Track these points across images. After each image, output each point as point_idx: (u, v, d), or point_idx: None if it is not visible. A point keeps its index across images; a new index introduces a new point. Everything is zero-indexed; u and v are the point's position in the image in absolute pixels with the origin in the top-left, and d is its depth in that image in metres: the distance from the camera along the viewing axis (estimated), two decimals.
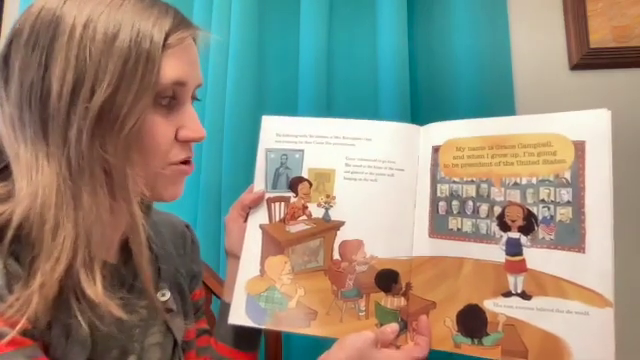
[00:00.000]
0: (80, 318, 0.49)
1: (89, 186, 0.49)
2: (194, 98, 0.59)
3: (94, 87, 0.47)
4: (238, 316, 0.69)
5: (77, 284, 0.48)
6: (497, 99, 1.14)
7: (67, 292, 0.49)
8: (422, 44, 1.21)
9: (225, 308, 0.73)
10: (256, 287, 0.69)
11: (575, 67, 1.21)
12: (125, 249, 0.61)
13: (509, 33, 1.20)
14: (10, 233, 0.46)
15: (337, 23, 1.22)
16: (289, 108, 1.17)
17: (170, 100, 0.54)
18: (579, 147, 0.60)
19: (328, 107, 1.16)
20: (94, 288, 0.48)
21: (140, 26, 0.50)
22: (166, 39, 0.51)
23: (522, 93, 1.19)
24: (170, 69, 0.52)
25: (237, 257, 0.72)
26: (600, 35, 1.20)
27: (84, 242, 0.48)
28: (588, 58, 1.20)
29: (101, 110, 0.48)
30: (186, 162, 0.57)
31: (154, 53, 0.50)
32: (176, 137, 0.55)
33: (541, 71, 1.22)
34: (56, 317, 0.49)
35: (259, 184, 0.73)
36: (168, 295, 0.64)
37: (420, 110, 1.17)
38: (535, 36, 1.23)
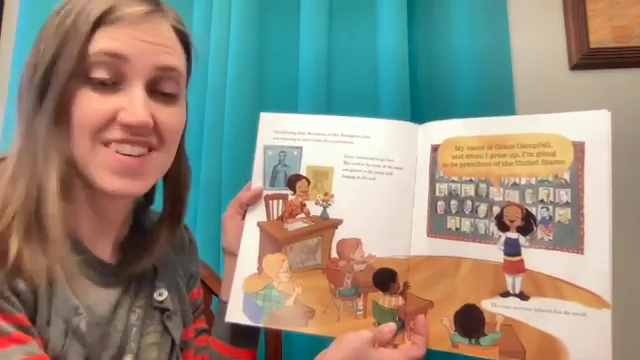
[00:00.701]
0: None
1: (40, 151, 0.52)
2: (158, 89, 0.56)
3: (40, 63, 0.53)
4: (235, 314, 0.69)
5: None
6: (497, 99, 1.14)
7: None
8: (422, 44, 1.21)
9: (223, 306, 0.73)
10: (254, 285, 0.69)
11: (575, 67, 1.21)
12: (121, 250, 0.62)
13: (509, 33, 1.20)
14: None
15: (337, 23, 1.21)
16: (289, 108, 1.16)
17: (112, 79, 0.53)
18: (578, 148, 0.60)
19: (328, 108, 1.15)
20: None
21: (83, 6, 0.53)
22: (106, 14, 0.53)
23: (522, 93, 1.18)
24: (102, 40, 0.52)
25: (235, 255, 0.72)
26: (600, 35, 1.20)
27: (34, 197, 0.51)
28: (588, 58, 1.19)
29: (41, 83, 0.53)
30: (140, 155, 0.55)
31: (84, 26, 0.52)
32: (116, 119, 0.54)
33: (541, 71, 1.21)
34: (55, 315, 0.50)
35: (257, 181, 0.73)
36: (165, 295, 0.64)
37: (420, 112, 1.16)
38: (535, 36, 1.23)
